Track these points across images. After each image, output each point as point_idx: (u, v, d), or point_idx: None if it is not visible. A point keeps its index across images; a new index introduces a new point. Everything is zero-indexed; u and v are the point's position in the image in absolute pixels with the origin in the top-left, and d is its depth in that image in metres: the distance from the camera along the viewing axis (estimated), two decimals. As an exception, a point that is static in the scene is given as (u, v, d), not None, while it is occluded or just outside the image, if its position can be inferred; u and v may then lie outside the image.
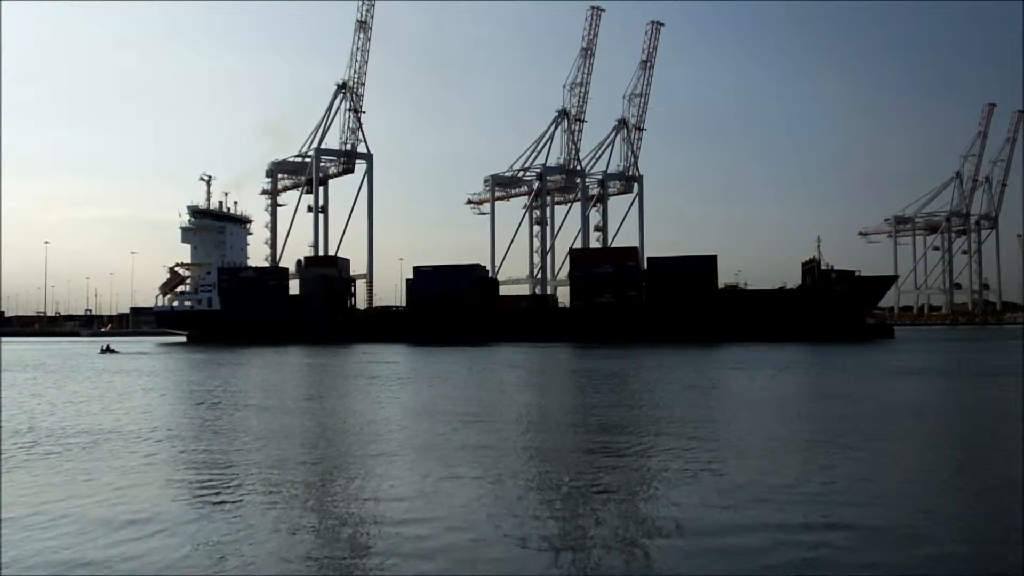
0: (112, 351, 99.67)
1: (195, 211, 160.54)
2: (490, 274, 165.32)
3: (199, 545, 13.85)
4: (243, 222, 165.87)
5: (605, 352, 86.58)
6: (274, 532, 14.63)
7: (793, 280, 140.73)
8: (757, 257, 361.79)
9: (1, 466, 21.44)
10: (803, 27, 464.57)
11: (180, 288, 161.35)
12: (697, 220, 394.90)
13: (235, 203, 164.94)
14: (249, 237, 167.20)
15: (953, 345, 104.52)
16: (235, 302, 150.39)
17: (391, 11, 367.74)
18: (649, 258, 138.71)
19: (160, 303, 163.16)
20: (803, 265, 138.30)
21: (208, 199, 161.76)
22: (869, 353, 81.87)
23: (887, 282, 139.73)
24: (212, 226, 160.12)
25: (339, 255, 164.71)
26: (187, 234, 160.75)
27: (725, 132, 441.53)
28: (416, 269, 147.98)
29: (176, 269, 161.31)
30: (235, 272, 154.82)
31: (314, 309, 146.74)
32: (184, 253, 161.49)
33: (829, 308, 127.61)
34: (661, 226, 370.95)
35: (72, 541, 14.20)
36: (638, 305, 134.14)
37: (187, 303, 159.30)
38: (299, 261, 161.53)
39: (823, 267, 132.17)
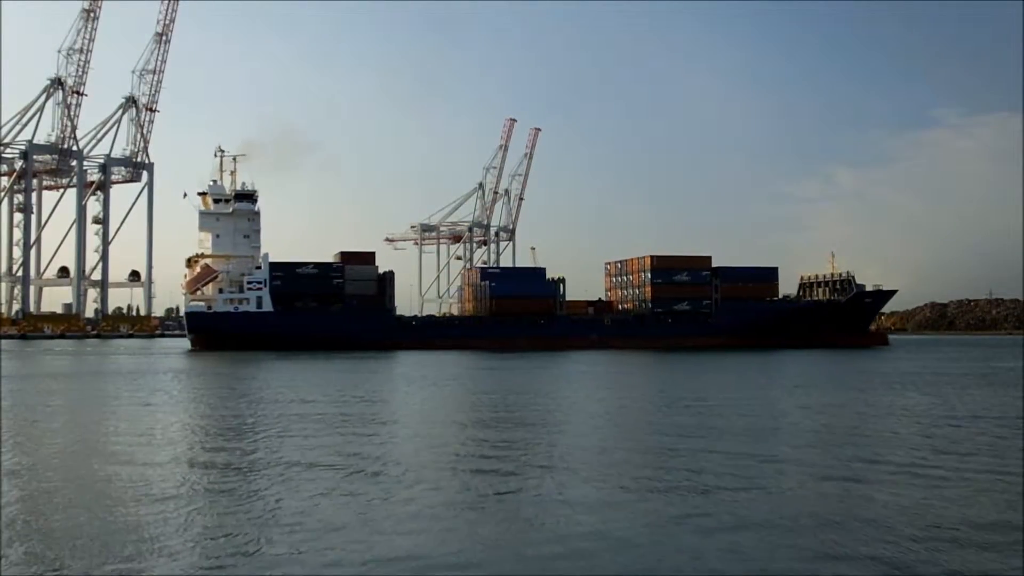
0: None
1: (218, 191, 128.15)
2: None
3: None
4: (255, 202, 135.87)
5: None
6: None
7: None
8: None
9: (1, 467, 22.23)
10: None
11: (207, 285, 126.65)
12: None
13: (252, 181, 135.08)
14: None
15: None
16: (290, 302, 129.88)
17: None
18: (715, 268, 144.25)
19: (188, 302, 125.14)
20: (805, 278, 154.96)
21: (228, 175, 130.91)
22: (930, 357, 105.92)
23: (889, 294, 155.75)
24: (245, 211, 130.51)
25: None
26: (207, 220, 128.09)
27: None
28: (482, 270, 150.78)
29: (207, 263, 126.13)
30: (292, 268, 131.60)
31: (370, 311, 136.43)
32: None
33: (851, 318, 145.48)
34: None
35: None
36: (711, 311, 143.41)
37: (231, 303, 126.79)
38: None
39: (857, 282, 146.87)
